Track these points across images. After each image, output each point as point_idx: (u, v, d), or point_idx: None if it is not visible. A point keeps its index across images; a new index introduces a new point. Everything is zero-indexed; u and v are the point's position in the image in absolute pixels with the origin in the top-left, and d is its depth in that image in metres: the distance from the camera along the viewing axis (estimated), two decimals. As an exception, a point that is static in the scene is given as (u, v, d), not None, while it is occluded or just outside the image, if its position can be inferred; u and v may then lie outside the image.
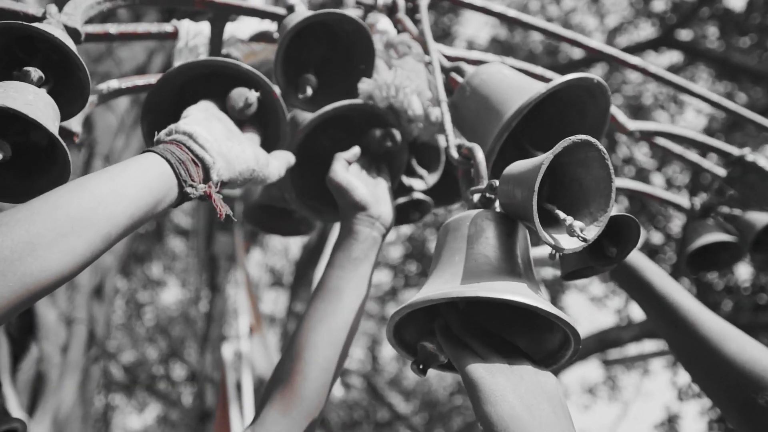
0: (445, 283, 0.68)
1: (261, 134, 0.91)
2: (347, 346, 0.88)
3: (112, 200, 0.64)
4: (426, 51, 1.04)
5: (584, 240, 0.64)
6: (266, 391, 0.86)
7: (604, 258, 0.79)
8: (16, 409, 2.61)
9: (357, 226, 0.93)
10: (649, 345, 6.70)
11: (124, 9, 3.26)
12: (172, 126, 0.77)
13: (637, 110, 7.28)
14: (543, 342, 0.72)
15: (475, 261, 0.68)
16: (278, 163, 0.89)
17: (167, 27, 1.14)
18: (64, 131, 0.94)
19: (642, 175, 6.79)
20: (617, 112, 1.35)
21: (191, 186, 0.72)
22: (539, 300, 0.63)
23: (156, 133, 0.78)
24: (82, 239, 0.60)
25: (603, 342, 6.02)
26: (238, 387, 3.45)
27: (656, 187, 6.05)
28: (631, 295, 1.03)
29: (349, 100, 0.98)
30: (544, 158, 0.63)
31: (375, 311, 9.49)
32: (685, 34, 6.84)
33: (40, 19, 0.84)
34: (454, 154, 0.83)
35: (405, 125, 0.98)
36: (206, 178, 0.75)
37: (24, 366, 2.81)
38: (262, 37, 1.20)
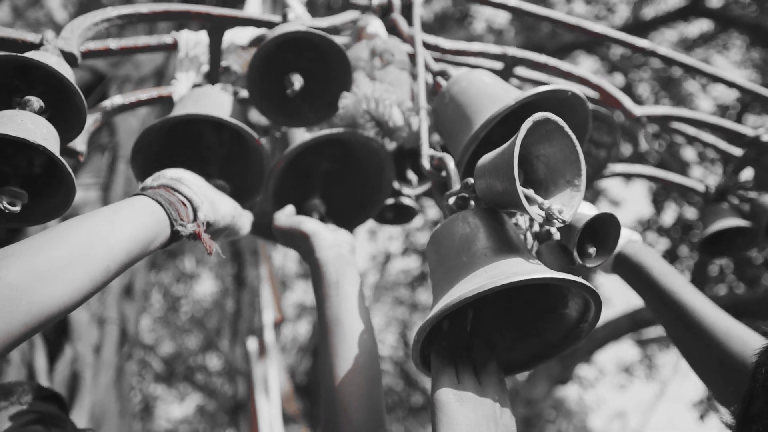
0: (468, 282, 0.66)
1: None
2: (375, 364, 0.86)
3: (110, 236, 0.68)
4: (418, 50, 1.03)
5: (563, 222, 0.65)
6: None
7: (585, 258, 0.79)
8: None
9: (319, 254, 0.92)
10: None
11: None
12: (158, 173, 0.83)
13: (667, 82, 7.06)
14: (562, 319, 0.72)
15: (485, 255, 0.68)
16: (246, 218, 0.97)
17: (167, 39, 1.16)
18: (69, 151, 0.97)
19: (673, 149, 6.59)
20: (623, 98, 1.32)
21: (181, 225, 0.77)
22: (559, 273, 0.64)
23: (141, 181, 0.83)
24: (83, 271, 0.63)
25: (636, 321, 5.91)
26: (266, 379, 3.53)
27: (674, 168, 5.90)
28: (636, 292, 1.00)
29: (330, 130, 1.00)
30: (513, 141, 0.64)
31: (405, 297, 9.52)
32: (715, 1, 6.57)
33: (38, 46, 0.87)
34: (427, 165, 0.83)
35: (389, 134, 0.98)
36: (194, 218, 0.81)
37: (59, 366, 2.94)
38: (260, 41, 1.21)
